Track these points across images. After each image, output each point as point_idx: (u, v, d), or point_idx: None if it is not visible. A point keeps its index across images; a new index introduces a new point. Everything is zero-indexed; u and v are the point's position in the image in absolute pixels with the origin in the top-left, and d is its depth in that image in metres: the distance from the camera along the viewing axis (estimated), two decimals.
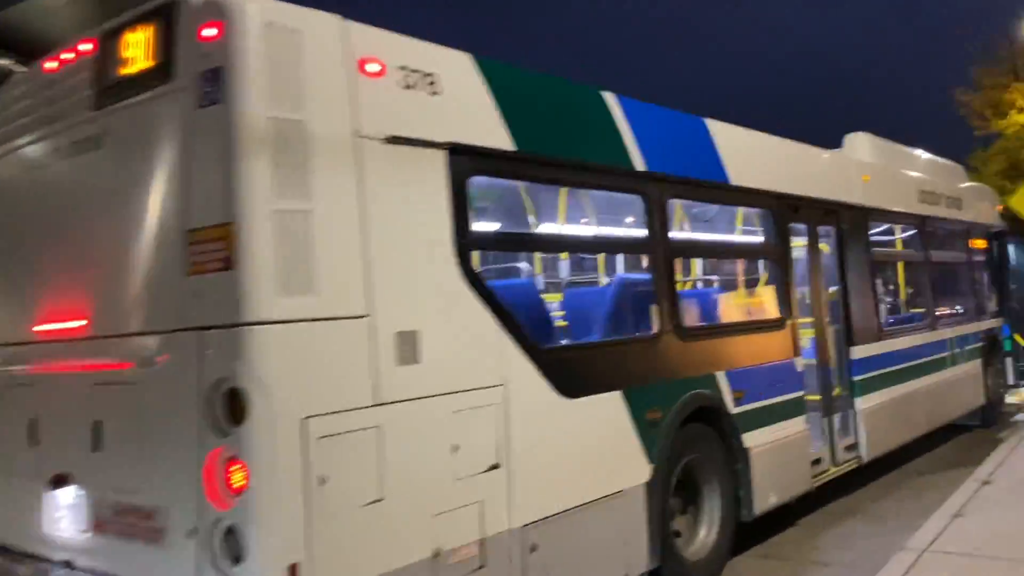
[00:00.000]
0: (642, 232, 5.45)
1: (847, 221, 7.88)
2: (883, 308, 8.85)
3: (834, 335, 7.60)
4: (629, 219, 6.37)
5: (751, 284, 7.98)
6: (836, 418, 7.47)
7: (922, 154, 10.55)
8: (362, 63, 3.73)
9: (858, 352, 7.77)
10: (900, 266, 10.22)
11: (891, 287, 10.15)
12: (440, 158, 4.01)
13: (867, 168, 8.51)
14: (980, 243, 11.73)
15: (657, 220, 5.44)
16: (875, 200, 8.43)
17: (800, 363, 6.81)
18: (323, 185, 3.51)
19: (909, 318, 9.67)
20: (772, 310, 6.85)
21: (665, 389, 5.29)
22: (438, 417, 3.85)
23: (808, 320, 7.35)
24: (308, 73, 3.54)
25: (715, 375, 5.78)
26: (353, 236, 3.59)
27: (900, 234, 9.88)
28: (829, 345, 7.48)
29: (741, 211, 7.38)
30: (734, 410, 5.92)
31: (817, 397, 7.30)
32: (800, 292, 7.39)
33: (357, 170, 3.64)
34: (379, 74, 3.79)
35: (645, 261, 5.45)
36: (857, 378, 7.71)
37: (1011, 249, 12.97)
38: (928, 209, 9.76)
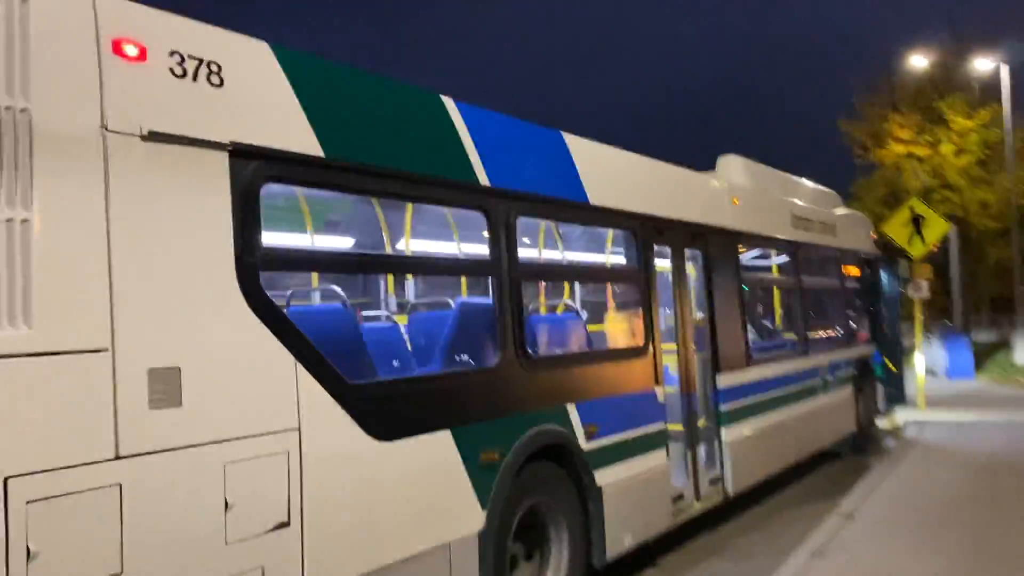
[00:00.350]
0: (484, 252, 4.95)
1: (715, 245, 7.62)
2: (752, 334, 8.64)
3: (700, 363, 7.30)
4: (470, 237, 5.87)
5: (612, 309, 7.63)
6: (701, 450, 7.16)
7: (797, 179, 10.50)
8: (116, 44, 3.10)
9: (725, 380, 7.50)
10: (772, 292, 10.12)
11: (762, 313, 10.02)
12: (220, 161, 3.41)
13: (738, 191, 8.31)
14: (854, 270, 11.80)
15: (502, 239, 4.97)
16: (745, 224, 8.23)
17: (662, 393, 6.46)
18: (51, 189, 2.87)
19: (780, 345, 9.53)
20: (633, 337, 6.48)
21: (505, 426, 4.80)
22: (205, 470, 3.23)
23: (672, 347, 7.02)
24: (37, 51, 2.89)
25: (565, 408, 5.32)
26: (92, 253, 2.96)
27: (773, 259, 9.76)
28: (694, 373, 7.16)
29: (604, 232, 7.01)
30: (586, 446, 5.48)
31: (681, 428, 6.96)
32: (664, 318, 7.07)
33: (101, 172, 3.00)
34: (139, 58, 3.16)
35: (488, 284, 4.94)
36: (724, 407, 7.42)
37: (883, 276, 13.16)
38: (802, 235, 9.67)
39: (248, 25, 3.49)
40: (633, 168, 6.68)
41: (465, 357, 4.97)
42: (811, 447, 9.56)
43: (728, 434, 7.42)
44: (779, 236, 9.08)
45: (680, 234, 7.10)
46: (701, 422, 7.25)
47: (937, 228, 15.18)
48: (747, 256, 9.10)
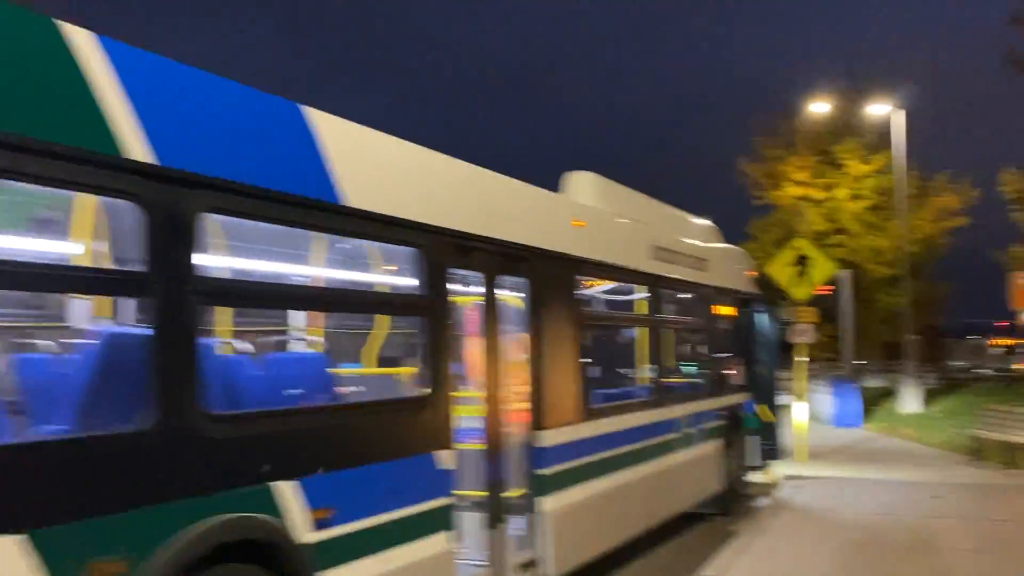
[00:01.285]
0: (134, 260, 3.39)
1: (546, 272, 6.26)
2: (593, 381, 7.32)
3: (513, 417, 5.89)
4: (109, 238, 4.24)
5: (377, 346, 6.17)
6: (509, 527, 5.72)
7: (664, 206, 9.32)
8: None
9: (550, 437, 6.10)
10: (624, 332, 8.87)
11: (610, 356, 8.74)
12: None
13: (583, 212, 7.02)
14: (728, 310, 10.69)
15: (173, 242, 3.44)
16: (589, 250, 6.92)
17: (449, 457, 5.00)
18: None
19: (630, 393, 8.23)
20: (406, 384, 5.03)
21: (148, 520, 3.23)
22: None
23: (478, 396, 5.60)
24: None
25: (273, 486, 3.79)
26: None
27: (628, 294, 8.52)
28: (503, 429, 5.74)
29: (376, 247, 5.56)
30: (310, 537, 3.95)
31: (480, 499, 5.52)
32: (467, 359, 5.65)
33: None
34: None
35: (151, 307, 3.39)
36: (546, 471, 6.01)
37: (763, 318, 12.13)
38: (664, 267, 8.45)
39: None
40: (425, 168, 5.24)
41: (84, 416, 3.38)
42: (666, 511, 8.26)
43: (550, 503, 6.01)
44: (634, 267, 7.82)
45: (493, 257, 5.70)
46: (512, 492, 5.82)
47: (823, 270, 14.35)
48: (592, 289, 7.83)
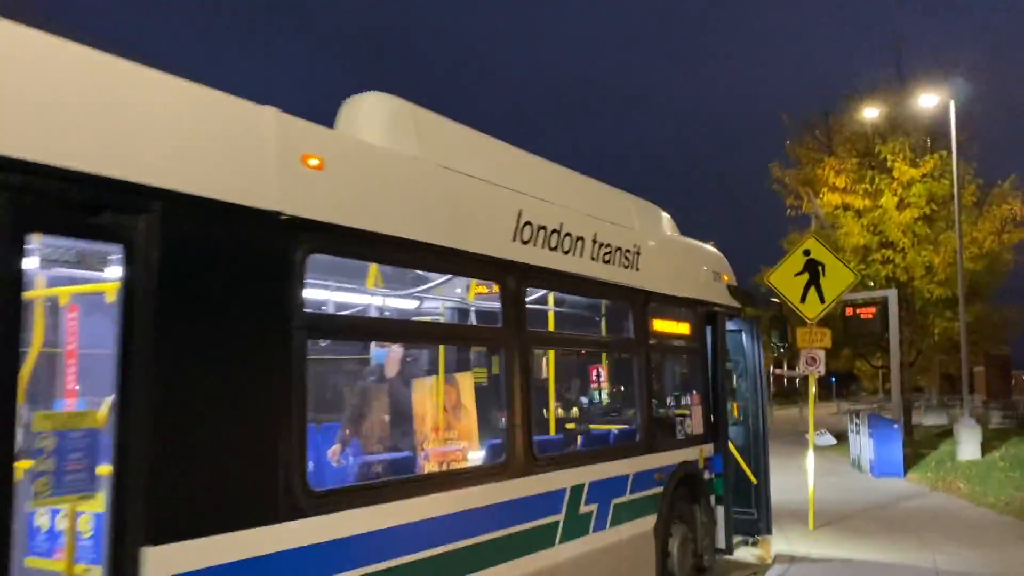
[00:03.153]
0: None
1: (203, 238, 3.38)
2: (336, 438, 4.39)
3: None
4: None
5: None
6: None
7: (551, 166, 6.29)
8: None
9: (174, 559, 3.16)
10: (435, 353, 5.95)
11: (392, 395, 5.72)
12: None
13: (331, 149, 4.09)
14: (680, 327, 7.63)
15: None
16: (338, 211, 4.00)
17: None
18: None
19: (410, 460, 5.18)
20: None
21: None
22: None
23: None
24: None
25: None
26: None
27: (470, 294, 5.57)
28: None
29: None
30: None
31: None
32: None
33: None
34: None
35: None
36: None
37: (743, 341, 9.00)
38: (537, 255, 5.48)
39: None
40: None
41: None
42: None
43: None
44: (454, 246, 4.82)
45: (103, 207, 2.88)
46: None
47: (841, 280, 11.12)
48: (374, 281, 4.94)
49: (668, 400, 7.60)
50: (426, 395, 5.82)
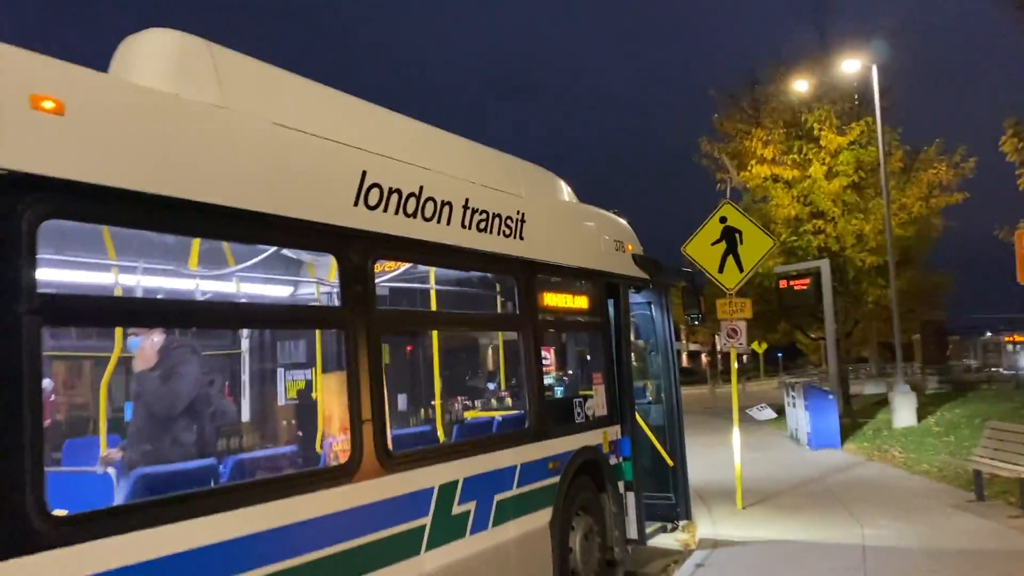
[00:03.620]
0: None
1: None
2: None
3: None
4: None
5: None
6: None
7: (406, 120, 5.55)
8: None
9: None
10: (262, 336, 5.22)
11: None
12: None
13: (75, 89, 3.31)
14: (576, 300, 6.99)
15: None
16: (100, 169, 3.24)
17: None
18: None
19: (210, 469, 4.40)
20: None
21: None
22: None
23: None
24: None
25: None
26: None
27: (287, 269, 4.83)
28: None
29: None
30: None
31: None
32: None
33: None
34: None
35: None
36: None
37: (654, 314, 8.42)
38: (389, 223, 4.77)
39: None
40: None
41: None
42: None
43: None
44: (266, 212, 4.04)
45: None
46: None
47: (759, 247, 10.61)
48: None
49: (565, 381, 6.96)
50: (240, 390, 5.07)
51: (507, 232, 5.92)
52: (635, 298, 8.31)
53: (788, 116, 23.02)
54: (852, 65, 20.37)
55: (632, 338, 8.38)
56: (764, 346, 56.15)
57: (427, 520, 4.76)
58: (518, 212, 6.08)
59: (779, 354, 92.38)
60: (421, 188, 5.03)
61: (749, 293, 27.08)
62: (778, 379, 53.08)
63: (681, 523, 8.21)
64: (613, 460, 7.08)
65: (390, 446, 4.59)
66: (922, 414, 18.99)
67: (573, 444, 6.44)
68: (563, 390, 6.94)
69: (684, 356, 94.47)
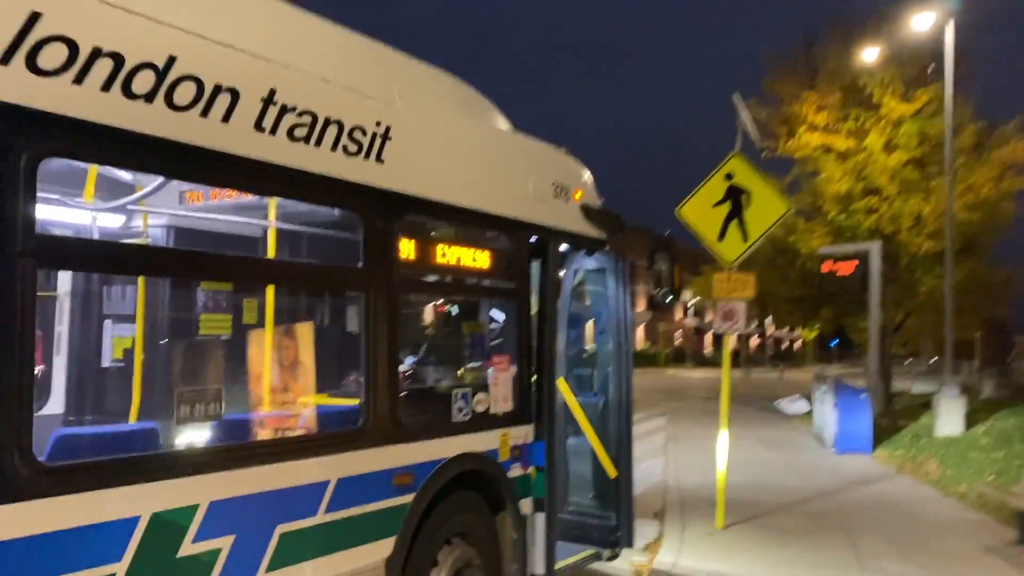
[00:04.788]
0: None
1: None
2: None
3: None
4: None
5: None
6: None
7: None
8: None
9: None
10: None
11: None
12: None
13: None
14: (481, 256, 5.19)
15: None
16: None
17: None
18: None
19: None
20: None
21: None
22: None
23: None
24: None
25: None
26: None
27: None
28: None
29: None
30: None
31: None
32: None
33: None
34: None
35: None
36: None
37: (606, 282, 6.61)
38: (93, 102, 3.06)
39: None
40: None
41: None
42: None
43: None
44: None
45: None
46: None
47: (770, 211, 8.66)
48: None
49: (440, 364, 5.22)
50: None
51: (352, 149, 4.17)
52: (586, 263, 6.50)
53: (847, 79, 20.56)
54: (923, 21, 17.78)
55: (572, 313, 6.61)
56: (813, 333, 53.56)
57: (118, 569, 3.10)
58: (378, 124, 4.32)
59: (833, 342, 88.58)
60: (171, 60, 3.30)
61: (791, 275, 25.06)
62: (818, 369, 50.43)
63: (619, 550, 6.44)
64: (516, 471, 5.33)
65: (38, 455, 2.94)
66: (971, 421, 16.68)
67: (444, 450, 4.71)
68: (437, 376, 5.21)
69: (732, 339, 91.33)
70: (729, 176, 8.63)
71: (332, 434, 4.21)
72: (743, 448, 15.04)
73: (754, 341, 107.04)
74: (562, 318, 6.62)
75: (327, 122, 4.04)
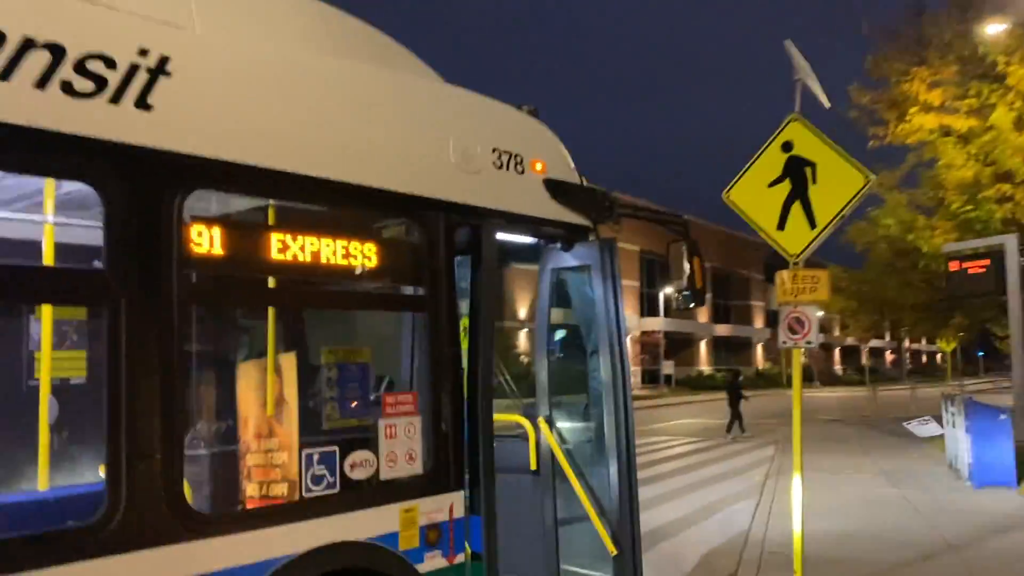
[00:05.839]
0: None
1: None
2: None
3: None
4: None
5: None
6: None
7: None
8: None
9: None
10: None
11: None
12: None
13: None
14: (367, 248, 3.58)
15: None
16: None
17: None
18: None
19: None
20: None
21: None
22: None
23: None
24: None
25: None
26: None
27: None
28: None
29: None
30: None
31: None
32: None
33: None
34: None
35: None
36: None
37: (591, 284, 4.88)
38: None
39: None
40: None
41: None
42: None
43: None
44: None
45: None
46: None
47: (843, 187, 6.67)
48: None
49: (285, 408, 3.60)
50: None
51: (84, 90, 2.68)
52: (562, 259, 4.79)
53: (966, 50, 17.87)
54: None
55: (551, 322, 4.91)
56: (952, 344, 48.57)
57: None
58: (161, 59, 2.84)
59: (980, 352, 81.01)
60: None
61: (914, 280, 22.14)
62: (954, 384, 45.61)
63: None
64: (434, 563, 3.65)
65: None
66: None
67: (286, 544, 3.10)
68: (278, 427, 3.59)
69: (863, 353, 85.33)
70: (787, 146, 6.72)
71: (52, 534, 2.66)
72: (859, 484, 12.71)
73: (889, 355, 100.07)
74: (540, 336, 4.95)
75: (28, 44, 2.57)
